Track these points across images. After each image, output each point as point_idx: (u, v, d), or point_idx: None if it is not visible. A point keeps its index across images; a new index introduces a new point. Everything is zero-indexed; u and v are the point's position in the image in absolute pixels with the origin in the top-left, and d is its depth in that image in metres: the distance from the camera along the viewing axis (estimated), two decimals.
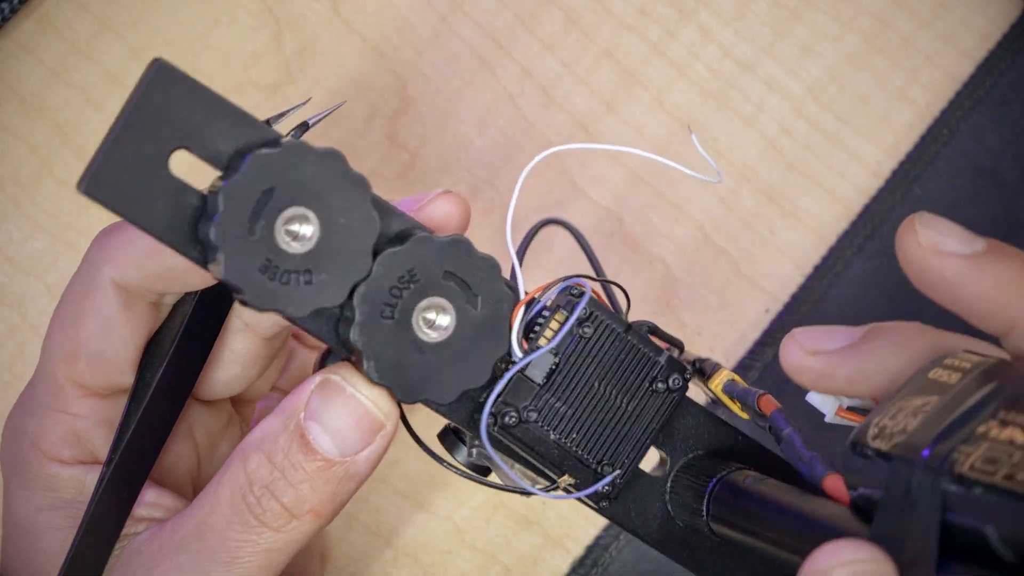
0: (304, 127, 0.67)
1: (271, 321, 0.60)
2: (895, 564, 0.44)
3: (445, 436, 0.58)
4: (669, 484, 0.56)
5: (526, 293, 0.53)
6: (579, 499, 0.55)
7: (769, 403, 0.54)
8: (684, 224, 0.76)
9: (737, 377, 0.56)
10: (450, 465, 0.56)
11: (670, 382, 0.55)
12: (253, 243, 0.49)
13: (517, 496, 0.74)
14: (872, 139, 0.77)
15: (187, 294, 0.59)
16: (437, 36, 0.76)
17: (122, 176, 0.48)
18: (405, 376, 0.51)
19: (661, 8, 0.78)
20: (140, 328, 0.58)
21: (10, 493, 0.60)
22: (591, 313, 0.53)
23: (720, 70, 0.77)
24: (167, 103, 0.48)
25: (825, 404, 0.53)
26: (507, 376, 0.52)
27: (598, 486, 0.53)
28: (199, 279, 0.57)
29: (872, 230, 0.76)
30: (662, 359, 0.54)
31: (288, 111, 0.66)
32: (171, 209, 0.49)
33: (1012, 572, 0.41)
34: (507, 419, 0.52)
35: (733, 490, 0.54)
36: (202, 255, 0.49)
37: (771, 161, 0.77)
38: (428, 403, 0.53)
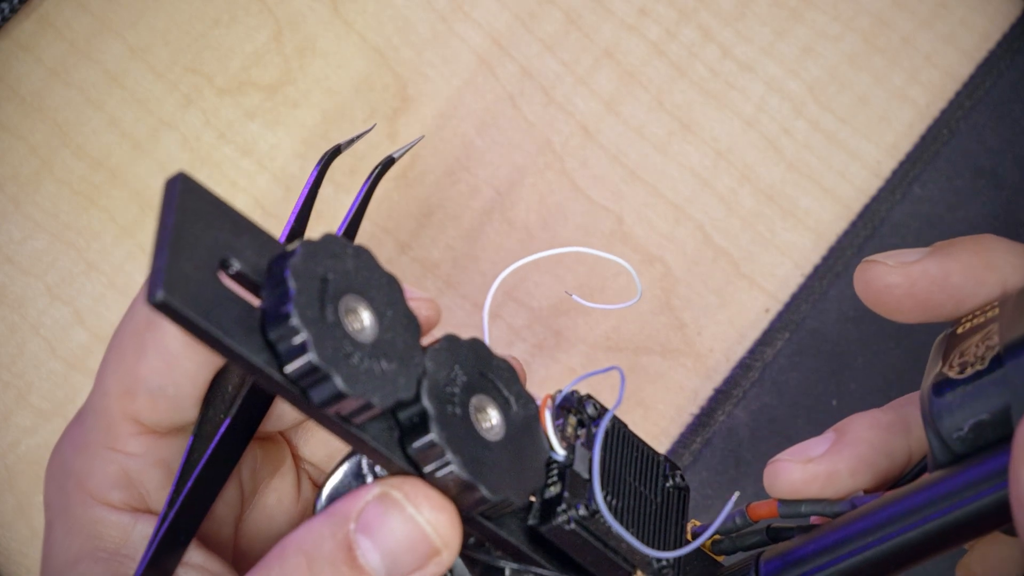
0: (390, 162, 0.66)
1: None
2: None
3: None
4: None
5: (541, 399, 0.51)
6: None
7: (762, 505, 0.53)
8: (684, 224, 0.76)
9: (695, 521, 0.55)
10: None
11: (676, 479, 0.54)
12: (328, 328, 0.46)
13: None
14: (872, 139, 0.77)
15: None
16: (437, 36, 0.76)
17: (189, 287, 0.44)
18: (486, 474, 0.48)
19: (661, 8, 0.78)
20: (205, 364, 0.54)
21: (52, 536, 0.56)
22: (601, 410, 0.52)
23: (720, 70, 0.77)
24: (200, 217, 0.45)
25: None
26: (596, 461, 0.50)
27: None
28: None
29: (872, 230, 0.76)
30: (660, 457, 0.54)
31: (357, 136, 0.65)
32: (235, 319, 0.45)
33: None
34: (580, 511, 0.50)
35: (790, 554, 0.52)
36: (272, 360, 0.46)
37: (771, 161, 0.77)
38: (485, 521, 0.50)
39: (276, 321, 0.45)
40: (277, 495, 0.58)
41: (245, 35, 0.76)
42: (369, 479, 0.52)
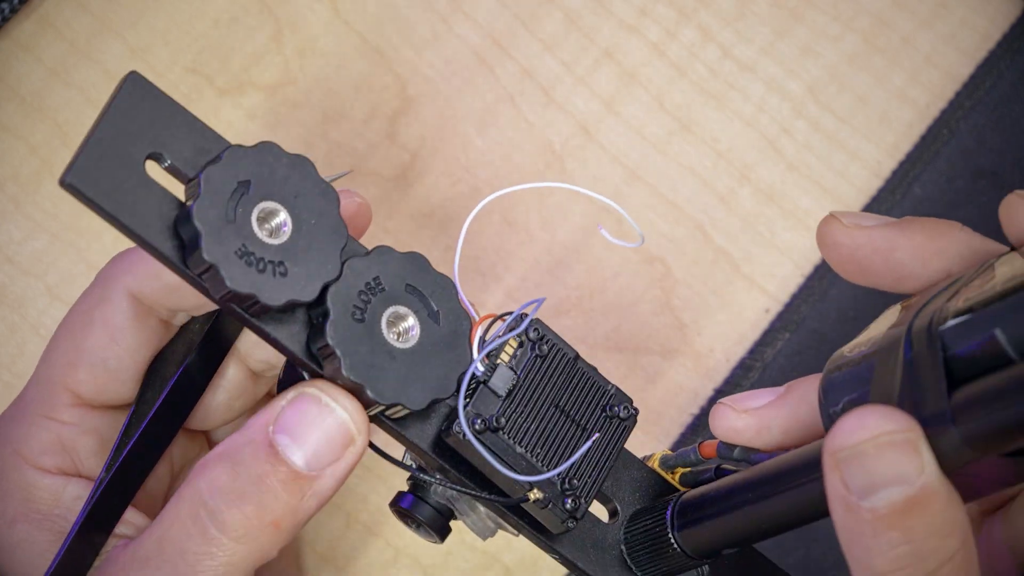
0: None
1: (262, 356, 0.60)
2: (917, 421, 0.44)
3: (403, 498, 0.58)
4: (623, 533, 0.57)
5: (478, 316, 0.54)
6: (538, 530, 0.55)
7: (709, 445, 0.56)
8: (684, 224, 0.76)
9: (668, 451, 0.58)
10: (420, 471, 0.56)
11: (620, 410, 0.55)
12: (231, 228, 0.50)
13: None
14: (872, 139, 0.77)
15: (193, 320, 0.59)
16: (437, 36, 0.77)
17: (102, 174, 0.49)
18: (378, 377, 0.52)
19: (661, 8, 0.78)
20: (148, 342, 0.58)
21: None
22: (543, 335, 0.54)
23: (720, 70, 0.77)
24: (138, 113, 0.50)
25: None
26: (469, 370, 0.53)
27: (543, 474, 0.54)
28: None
29: None
30: (611, 388, 0.56)
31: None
32: (150, 208, 0.50)
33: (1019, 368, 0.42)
34: (476, 424, 0.53)
35: (695, 499, 0.55)
36: (179, 252, 0.50)
37: (771, 161, 0.77)
38: (389, 421, 0.53)
39: (183, 216, 0.50)
40: None
41: (245, 35, 0.76)
42: None
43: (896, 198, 0.76)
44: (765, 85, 0.77)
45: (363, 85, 0.76)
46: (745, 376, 0.75)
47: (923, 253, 0.52)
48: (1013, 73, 0.78)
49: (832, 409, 0.49)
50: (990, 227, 0.76)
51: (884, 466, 0.44)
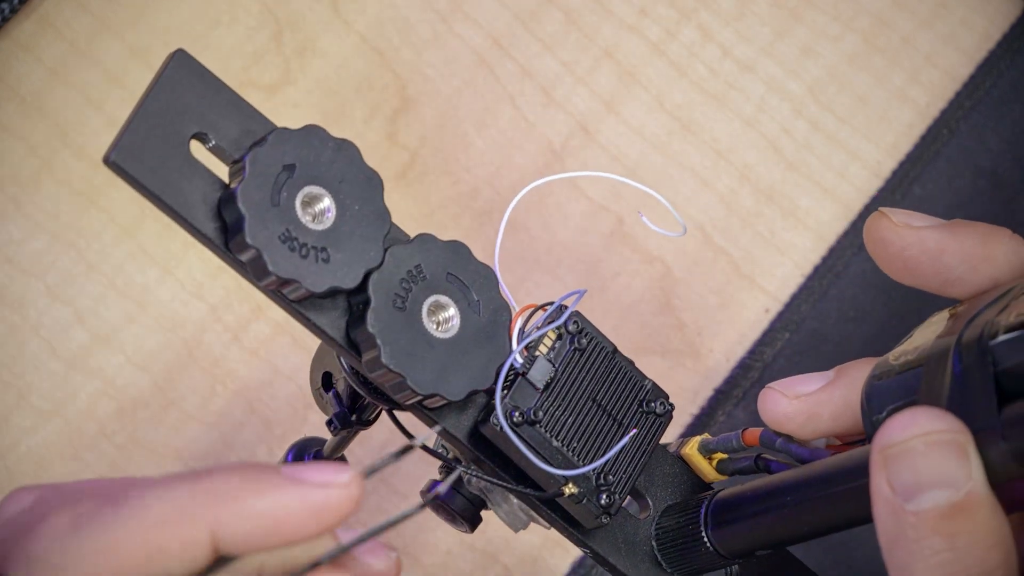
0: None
1: None
2: (968, 428, 0.44)
3: (436, 486, 0.57)
4: (655, 528, 0.56)
5: (518, 307, 0.54)
6: (570, 524, 0.55)
7: (752, 432, 0.55)
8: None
9: (707, 435, 0.57)
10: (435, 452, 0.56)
11: (657, 405, 0.55)
12: (275, 212, 0.49)
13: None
14: (872, 139, 0.77)
15: None
16: (437, 36, 0.77)
17: (147, 153, 0.48)
18: (417, 367, 0.51)
19: (661, 8, 0.78)
20: None
21: None
22: (582, 328, 0.54)
23: (720, 70, 0.77)
24: (184, 92, 0.49)
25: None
26: (507, 361, 0.52)
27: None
28: None
29: None
30: (647, 383, 0.55)
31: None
32: (194, 189, 0.49)
33: None
34: (514, 417, 0.52)
35: (731, 498, 0.54)
36: (222, 235, 0.49)
37: (771, 161, 0.77)
38: (425, 411, 0.53)
39: (226, 199, 0.49)
40: None
41: (245, 35, 0.76)
42: None
43: (896, 198, 0.77)
44: (765, 85, 0.77)
45: (363, 85, 0.76)
46: (745, 376, 0.75)
47: (972, 258, 0.51)
48: (1013, 73, 0.78)
49: (875, 416, 0.49)
50: None
51: (932, 466, 0.44)
